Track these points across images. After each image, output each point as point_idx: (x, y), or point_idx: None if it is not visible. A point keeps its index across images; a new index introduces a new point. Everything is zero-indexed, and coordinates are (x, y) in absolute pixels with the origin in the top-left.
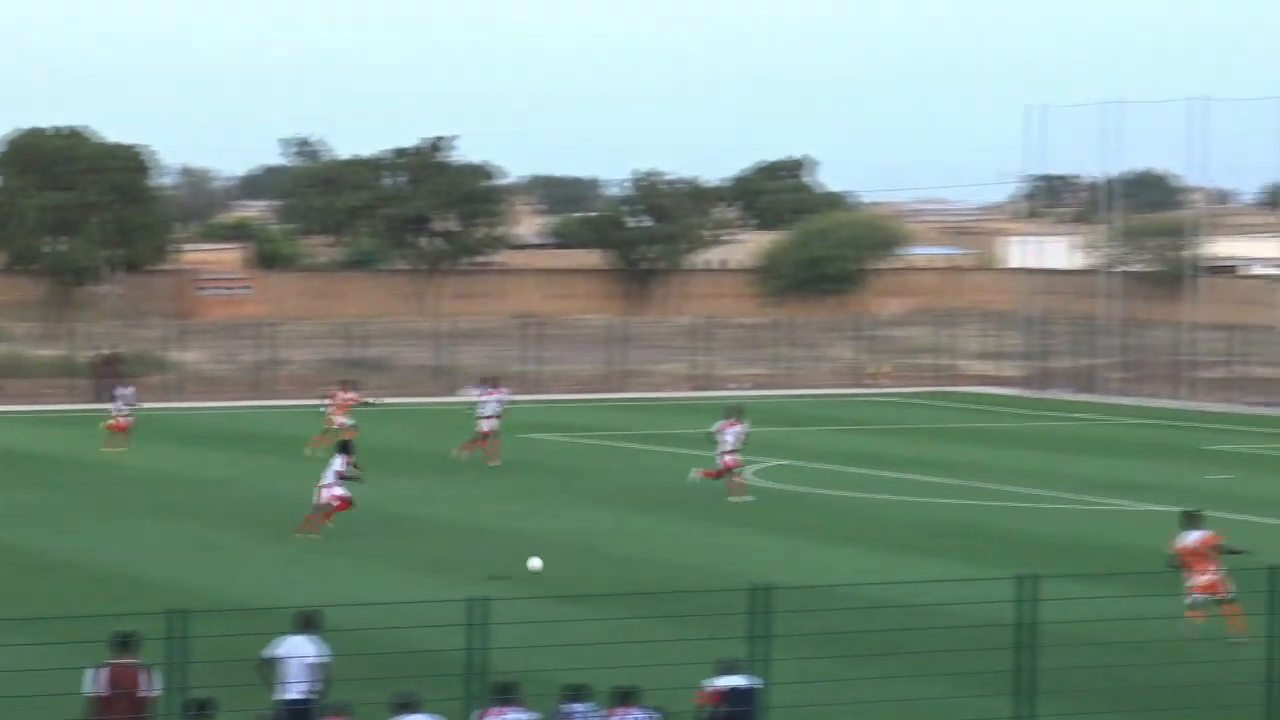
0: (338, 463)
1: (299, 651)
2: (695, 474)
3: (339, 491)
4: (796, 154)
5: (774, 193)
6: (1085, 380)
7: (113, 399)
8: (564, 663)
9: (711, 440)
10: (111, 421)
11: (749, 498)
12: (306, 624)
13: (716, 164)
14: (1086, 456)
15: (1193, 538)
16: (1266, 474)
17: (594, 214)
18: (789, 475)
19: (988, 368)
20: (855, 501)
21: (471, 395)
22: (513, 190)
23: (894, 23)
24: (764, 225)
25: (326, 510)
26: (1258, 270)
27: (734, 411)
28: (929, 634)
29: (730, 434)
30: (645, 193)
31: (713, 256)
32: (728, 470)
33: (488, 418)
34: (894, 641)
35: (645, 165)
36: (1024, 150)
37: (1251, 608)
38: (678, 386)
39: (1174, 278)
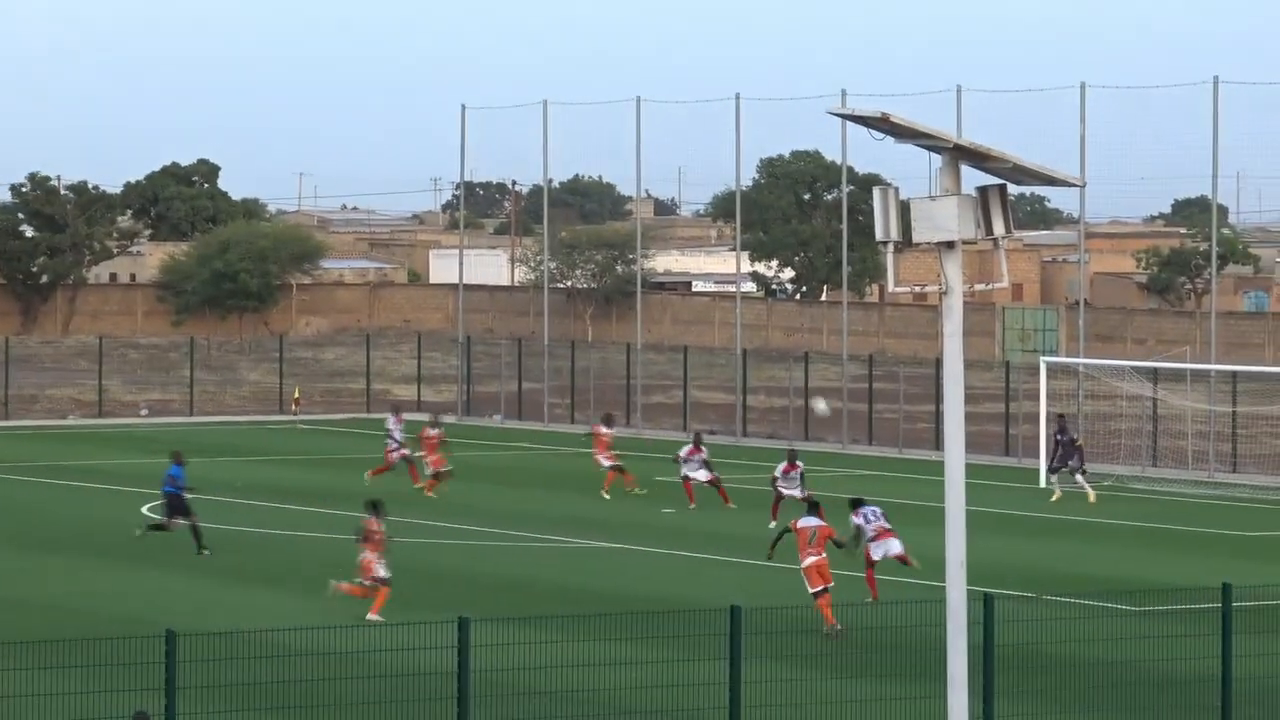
0: None
1: None
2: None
3: None
4: (203, 156)
5: (182, 199)
6: (521, 406)
7: None
8: None
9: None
10: None
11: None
12: None
13: (114, 167)
14: (523, 489)
15: (809, 523)
16: (713, 507)
17: None
18: (198, 511)
19: (416, 392)
20: (275, 539)
21: None
22: None
23: (309, 17)
24: (170, 235)
25: None
26: (704, 286)
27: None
28: (358, 684)
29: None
30: (30, 199)
31: (119, 269)
32: None
33: None
34: (318, 693)
35: (33, 167)
36: (458, 155)
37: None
38: (72, 413)
39: (617, 295)
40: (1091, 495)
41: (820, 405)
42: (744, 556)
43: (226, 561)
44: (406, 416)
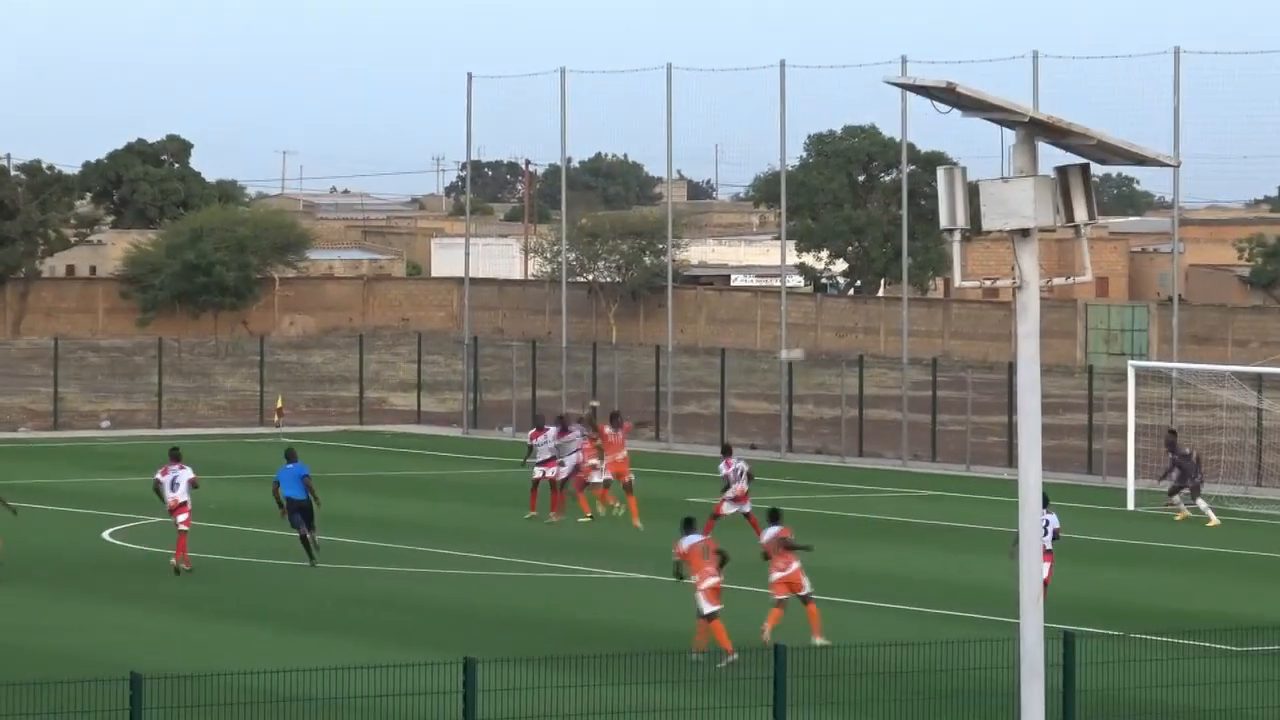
0: None
1: None
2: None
3: None
4: (172, 133)
5: (149, 181)
6: (532, 417)
7: None
8: None
9: None
10: None
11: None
12: None
13: (72, 147)
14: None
15: (770, 532)
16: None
17: None
18: (165, 536)
19: (415, 401)
20: (255, 568)
21: None
22: None
23: None
24: (136, 222)
25: None
26: (744, 281)
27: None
28: None
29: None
30: None
31: (78, 261)
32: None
33: None
34: None
35: None
36: (462, 133)
37: None
38: (24, 425)
39: (645, 290)
40: (1213, 519)
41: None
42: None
43: (196, 592)
44: (408, 429)
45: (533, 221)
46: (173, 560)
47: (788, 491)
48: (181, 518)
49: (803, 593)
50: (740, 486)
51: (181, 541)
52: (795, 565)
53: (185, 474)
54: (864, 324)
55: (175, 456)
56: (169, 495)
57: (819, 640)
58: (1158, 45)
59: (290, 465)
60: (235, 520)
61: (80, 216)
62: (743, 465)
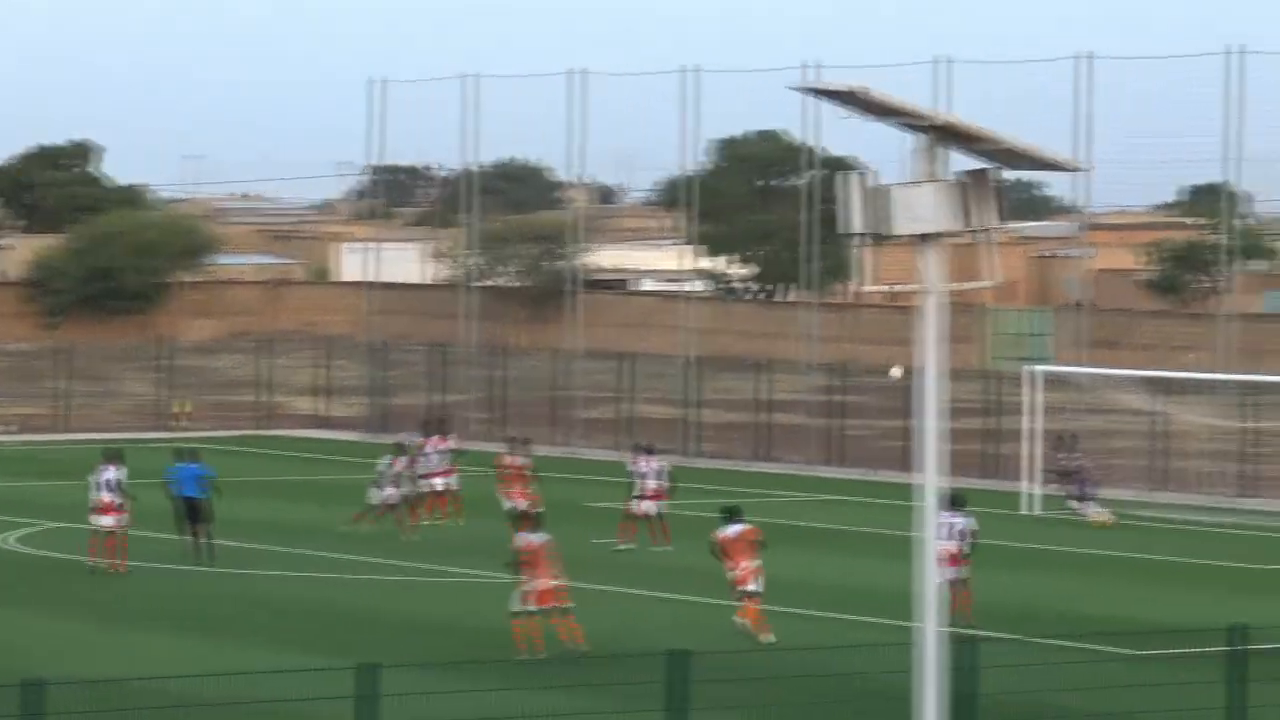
0: None
1: None
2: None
3: None
4: (82, 138)
5: (56, 185)
6: (439, 422)
7: None
8: None
9: None
10: None
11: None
12: None
13: None
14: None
15: (733, 530)
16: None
17: None
18: (70, 541)
19: (319, 405)
20: (156, 574)
21: None
22: None
23: None
24: (42, 227)
25: None
26: (651, 285)
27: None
28: None
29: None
30: None
31: None
32: None
33: None
34: None
35: None
36: (366, 136)
37: None
38: None
39: (549, 294)
40: (1099, 518)
41: (895, 371)
42: (684, 594)
43: (97, 598)
44: (310, 434)
45: (439, 226)
46: (102, 561)
47: (693, 496)
48: (110, 519)
49: (749, 589)
50: (654, 484)
51: (111, 543)
52: (753, 563)
53: (118, 474)
54: (770, 329)
55: (112, 457)
56: (102, 496)
57: (752, 628)
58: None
59: (190, 465)
60: (138, 524)
61: None
62: (660, 464)
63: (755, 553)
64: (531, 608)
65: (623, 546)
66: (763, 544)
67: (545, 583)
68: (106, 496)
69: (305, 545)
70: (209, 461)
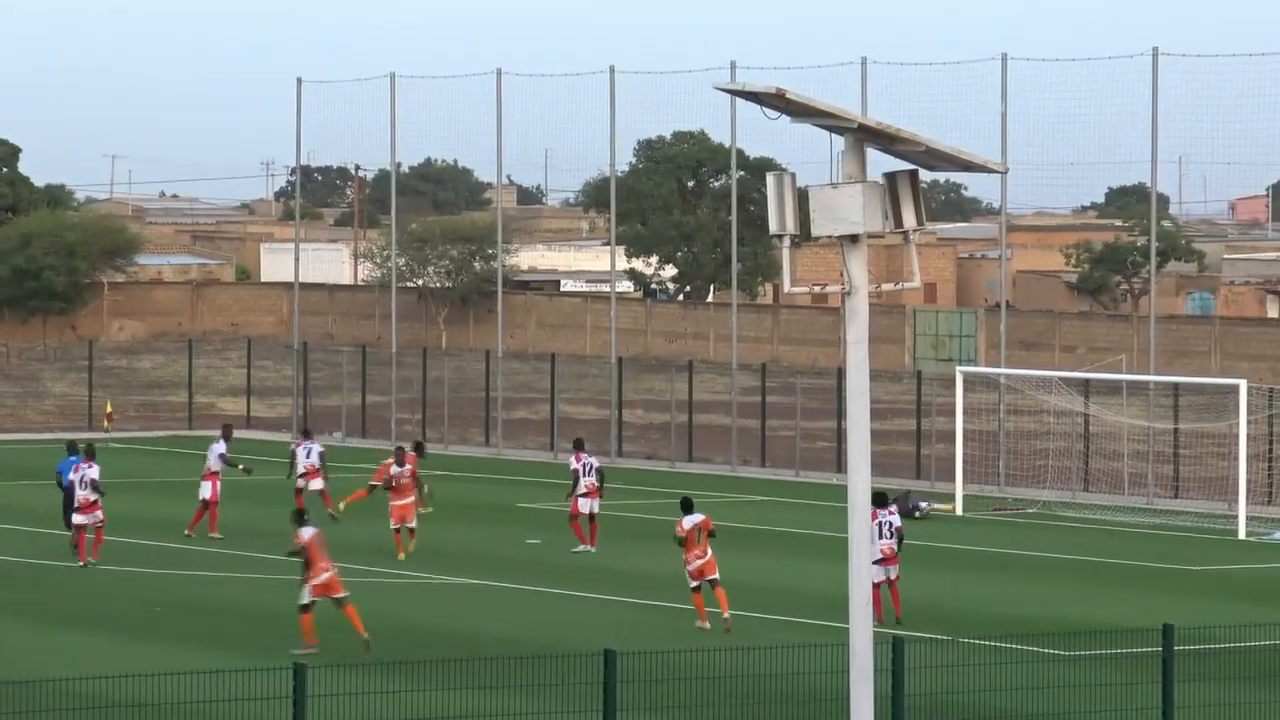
0: None
1: None
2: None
3: None
4: (1, 138)
5: None
6: (365, 422)
7: None
8: None
9: None
10: None
11: None
12: None
13: None
14: (365, 517)
15: (690, 520)
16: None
17: None
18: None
19: (245, 406)
20: (82, 574)
21: None
22: None
23: None
24: None
25: None
26: (574, 286)
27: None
28: None
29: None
30: None
31: None
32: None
33: None
34: None
35: None
36: (291, 136)
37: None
38: None
39: (475, 295)
40: (947, 508)
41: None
42: (614, 594)
43: (24, 598)
44: (235, 435)
45: (362, 227)
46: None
47: (618, 496)
48: (84, 518)
49: (713, 577)
50: (590, 481)
51: (82, 538)
52: (709, 554)
53: (92, 472)
54: (693, 329)
55: (75, 449)
56: (87, 494)
57: (727, 614)
58: (986, 52)
59: (75, 459)
60: (61, 525)
61: None
62: (592, 461)
63: (709, 542)
64: (310, 599)
65: (580, 549)
66: (713, 534)
67: (321, 575)
68: (86, 495)
69: (234, 546)
70: (135, 464)
